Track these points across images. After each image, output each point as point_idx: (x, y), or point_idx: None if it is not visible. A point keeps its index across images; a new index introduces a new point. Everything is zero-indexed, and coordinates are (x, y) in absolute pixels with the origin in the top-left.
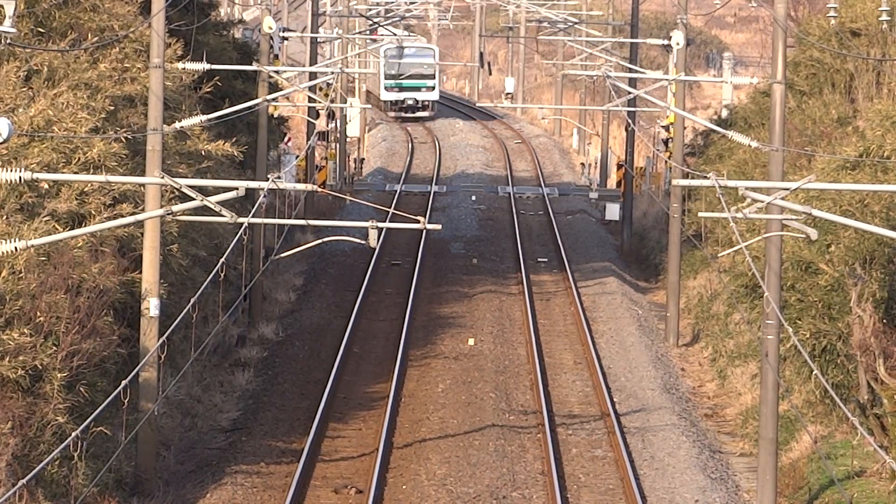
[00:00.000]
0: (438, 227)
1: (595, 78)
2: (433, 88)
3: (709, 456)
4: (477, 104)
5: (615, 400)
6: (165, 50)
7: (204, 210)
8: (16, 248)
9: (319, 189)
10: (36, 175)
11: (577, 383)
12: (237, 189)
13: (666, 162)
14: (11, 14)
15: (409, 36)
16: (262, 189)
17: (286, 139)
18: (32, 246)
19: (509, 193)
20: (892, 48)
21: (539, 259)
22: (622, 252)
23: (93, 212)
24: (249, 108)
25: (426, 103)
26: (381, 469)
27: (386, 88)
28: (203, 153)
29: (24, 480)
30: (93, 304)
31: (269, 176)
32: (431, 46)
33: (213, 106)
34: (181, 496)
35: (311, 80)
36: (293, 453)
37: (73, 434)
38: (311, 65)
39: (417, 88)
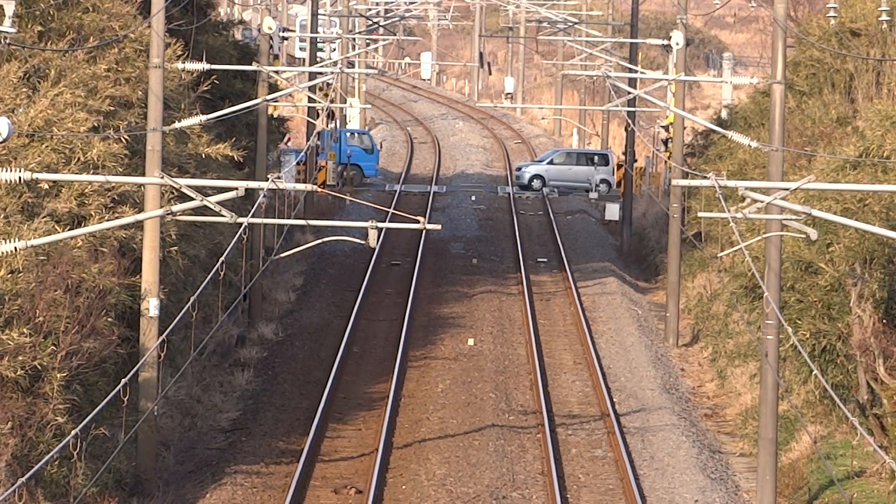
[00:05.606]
0: (438, 227)
1: (595, 78)
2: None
3: (708, 456)
4: (477, 104)
5: (615, 400)
6: (165, 50)
7: (204, 210)
8: (15, 248)
9: (319, 189)
10: (36, 175)
11: (577, 383)
12: (237, 189)
13: (666, 162)
14: (11, 14)
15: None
16: (262, 189)
17: (286, 139)
18: (32, 246)
19: (509, 193)
20: (892, 48)
21: (539, 259)
22: (622, 252)
23: (92, 212)
24: (249, 108)
25: None
26: (380, 469)
27: (301, 49)
28: (202, 157)
29: (22, 479)
30: (92, 304)
31: (268, 176)
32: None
33: (212, 106)
34: (181, 496)
35: (310, 80)
36: (293, 453)
37: (72, 433)
38: (310, 65)
39: None
